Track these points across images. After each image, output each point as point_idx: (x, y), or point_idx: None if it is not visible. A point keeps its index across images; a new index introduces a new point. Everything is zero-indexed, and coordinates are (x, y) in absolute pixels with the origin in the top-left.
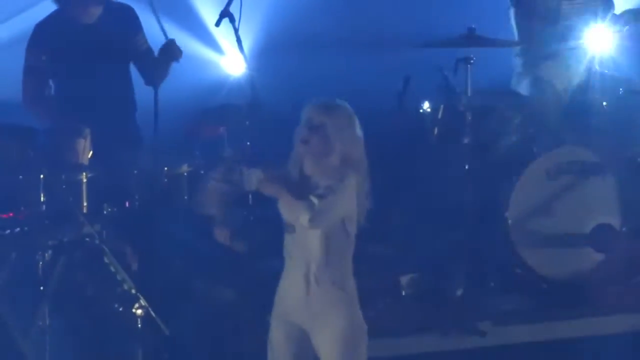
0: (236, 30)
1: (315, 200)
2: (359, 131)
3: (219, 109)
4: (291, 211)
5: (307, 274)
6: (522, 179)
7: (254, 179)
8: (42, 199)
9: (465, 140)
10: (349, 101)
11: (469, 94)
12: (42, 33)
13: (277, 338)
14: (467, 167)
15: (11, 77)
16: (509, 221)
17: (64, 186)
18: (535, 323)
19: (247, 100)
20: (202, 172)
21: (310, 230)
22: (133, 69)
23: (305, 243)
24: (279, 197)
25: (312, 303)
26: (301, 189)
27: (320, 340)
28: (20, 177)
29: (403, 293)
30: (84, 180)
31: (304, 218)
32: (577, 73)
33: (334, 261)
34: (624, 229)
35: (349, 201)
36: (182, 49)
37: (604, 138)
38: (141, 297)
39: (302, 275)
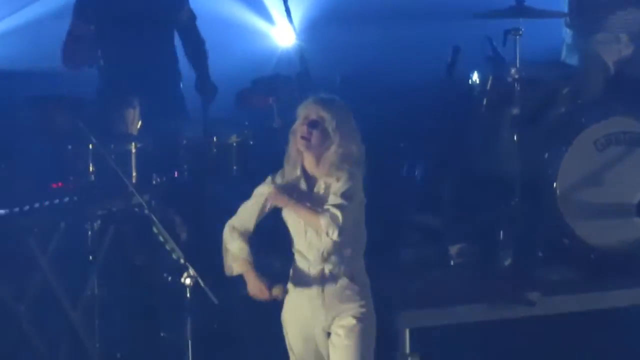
0: (285, 1)
1: (335, 211)
2: (354, 125)
3: (269, 79)
4: (311, 224)
5: (323, 270)
6: (571, 150)
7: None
8: (91, 169)
9: (514, 111)
10: (397, 73)
11: (518, 65)
12: (89, 1)
13: (294, 336)
14: (515, 137)
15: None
16: (558, 192)
17: (113, 156)
18: (583, 293)
19: (297, 71)
20: (251, 142)
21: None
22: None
23: (319, 242)
24: (296, 210)
25: (327, 299)
26: (310, 194)
27: (335, 333)
28: (70, 147)
29: (452, 263)
30: (133, 150)
31: (332, 233)
32: (627, 44)
33: (348, 256)
34: None
35: (360, 197)
36: (232, 19)
37: None
38: (190, 267)
39: (318, 272)
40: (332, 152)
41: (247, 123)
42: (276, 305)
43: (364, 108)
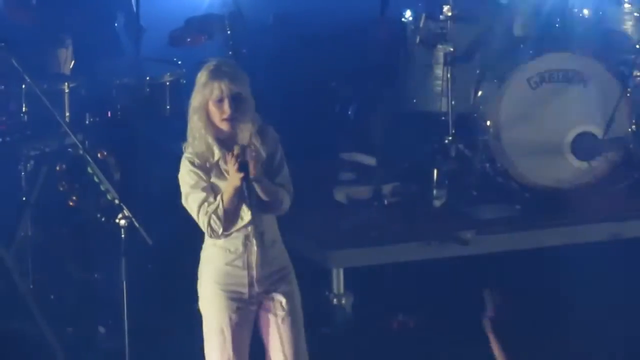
0: None
1: (288, 185)
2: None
3: (201, 18)
4: (272, 198)
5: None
6: (504, 88)
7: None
8: (24, 109)
9: (447, 49)
10: (329, 12)
11: (451, 3)
12: None
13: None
14: (449, 75)
15: None
16: (491, 130)
17: (46, 96)
18: (517, 232)
19: (229, 10)
20: (183, 81)
21: None
22: None
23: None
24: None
25: (269, 263)
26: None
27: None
28: (2, 87)
29: (385, 202)
30: (66, 90)
31: (286, 205)
32: None
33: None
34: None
35: None
36: None
37: (586, 46)
38: (124, 207)
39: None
40: (251, 124)
41: (180, 62)
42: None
43: (296, 47)
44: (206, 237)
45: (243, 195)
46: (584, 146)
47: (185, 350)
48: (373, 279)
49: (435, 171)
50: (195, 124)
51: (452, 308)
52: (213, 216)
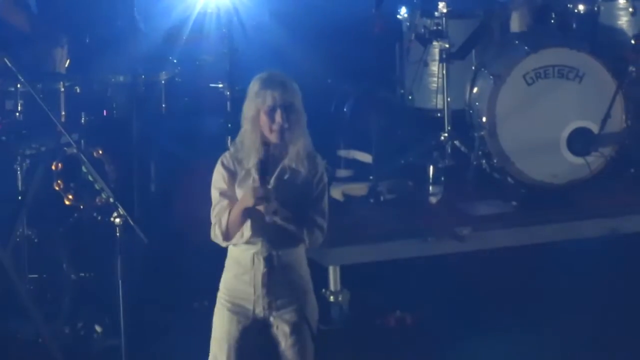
0: None
1: (320, 220)
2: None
3: (198, 16)
4: (292, 230)
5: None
6: (500, 84)
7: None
8: (19, 108)
9: (443, 45)
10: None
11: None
12: None
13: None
14: (444, 71)
15: None
16: (487, 127)
17: (41, 95)
18: (513, 228)
19: (225, 8)
20: (178, 79)
21: None
22: None
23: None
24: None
25: (278, 287)
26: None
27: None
28: None
29: (382, 199)
30: (62, 89)
31: (314, 241)
32: None
33: None
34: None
35: None
36: None
37: (581, 42)
38: (119, 206)
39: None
40: (302, 142)
41: (175, 60)
42: (203, 245)
43: (292, 44)
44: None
45: (251, 215)
46: (579, 142)
47: (182, 349)
48: (370, 275)
49: (431, 168)
50: (247, 134)
51: (449, 304)
52: (218, 222)
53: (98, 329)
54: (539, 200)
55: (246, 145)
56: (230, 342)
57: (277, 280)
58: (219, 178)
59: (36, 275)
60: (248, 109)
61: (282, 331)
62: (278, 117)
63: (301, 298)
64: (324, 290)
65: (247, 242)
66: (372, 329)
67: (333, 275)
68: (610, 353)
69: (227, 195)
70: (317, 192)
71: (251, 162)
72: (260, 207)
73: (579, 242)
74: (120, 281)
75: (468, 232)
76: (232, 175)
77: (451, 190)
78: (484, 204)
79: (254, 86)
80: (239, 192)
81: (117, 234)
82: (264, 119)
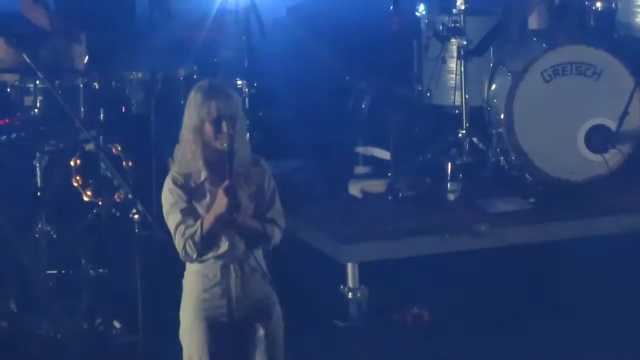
0: None
1: (279, 220)
2: None
3: (216, 13)
4: (258, 234)
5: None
6: (517, 81)
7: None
8: (38, 105)
9: (461, 43)
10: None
11: None
12: None
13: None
14: (462, 69)
15: None
16: (504, 124)
17: (60, 92)
18: (532, 225)
19: (243, 4)
20: (196, 77)
21: None
22: None
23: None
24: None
25: (249, 293)
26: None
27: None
28: (16, 82)
29: (400, 196)
30: (80, 85)
31: (276, 240)
32: None
33: None
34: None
35: None
36: None
37: (599, 39)
38: (138, 202)
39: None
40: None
41: (193, 57)
42: None
43: (310, 40)
44: (187, 264)
45: (224, 224)
46: (597, 139)
47: None
48: (388, 272)
49: (449, 165)
50: (189, 144)
51: (467, 301)
52: (189, 240)
53: (117, 325)
54: (556, 198)
55: (189, 159)
56: (209, 357)
57: (247, 286)
58: (177, 198)
59: (55, 271)
60: (190, 119)
61: (257, 335)
62: (224, 127)
63: (270, 299)
64: (342, 286)
65: (216, 255)
66: (390, 326)
67: (351, 272)
68: (628, 351)
69: (189, 212)
70: (269, 193)
71: (202, 175)
72: (229, 210)
73: (597, 240)
74: (138, 277)
75: (486, 229)
76: (187, 191)
77: (469, 187)
78: (502, 201)
79: (195, 97)
80: (199, 208)
81: (136, 230)
82: (209, 129)
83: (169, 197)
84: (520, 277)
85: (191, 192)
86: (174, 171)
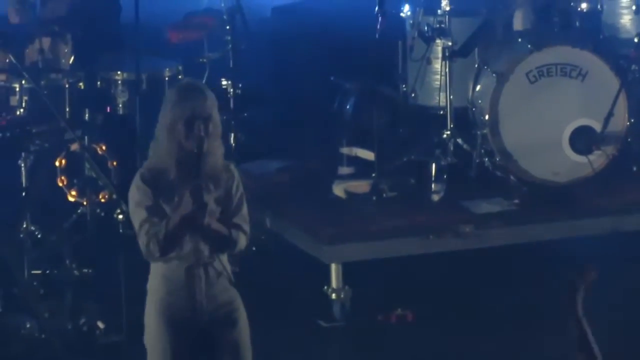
0: None
1: (245, 226)
2: None
3: (201, 13)
4: (224, 238)
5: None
6: (502, 82)
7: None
8: (24, 104)
9: (446, 43)
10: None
11: None
12: None
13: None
14: (447, 69)
15: None
16: (489, 124)
17: (45, 92)
18: (515, 226)
19: (228, 5)
20: (181, 77)
21: None
22: None
23: None
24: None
25: (214, 297)
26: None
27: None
28: (2, 82)
29: (384, 196)
30: (66, 85)
31: (241, 246)
32: None
33: None
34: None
35: None
36: None
37: (584, 40)
38: (122, 202)
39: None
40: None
41: (178, 57)
42: None
43: (294, 41)
44: (151, 267)
45: (189, 225)
46: (582, 140)
47: None
48: (372, 273)
49: (433, 165)
50: (162, 143)
51: (450, 302)
52: (153, 238)
53: (101, 325)
54: (541, 199)
55: (161, 157)
56: None
57: (212, 290)
58: (143, 195)
59: (39, 271)
60: (165, 118)
61: (224, 339)
62: (196, 128)
63: (235, 303)
64: (325, 287)
65: (179, 257)
66: (374, 326)
67: (335, 273)
68: (612, 352)
69: (155, 210)
70: (237, 199)
71: (172, 173)
72: (194, 211)
73: (581, 241)
74: (123, 277)
75: (470, 230)
76: (154, 189)
77: (453, 188)
78: (486, 201)
79: (172, 95)
80: (166, 207)
81: (120, 230)
82: (181, 129)
83: (136, 194)
84: (504, 278)
85: (159, 190)
86: (143, 168)
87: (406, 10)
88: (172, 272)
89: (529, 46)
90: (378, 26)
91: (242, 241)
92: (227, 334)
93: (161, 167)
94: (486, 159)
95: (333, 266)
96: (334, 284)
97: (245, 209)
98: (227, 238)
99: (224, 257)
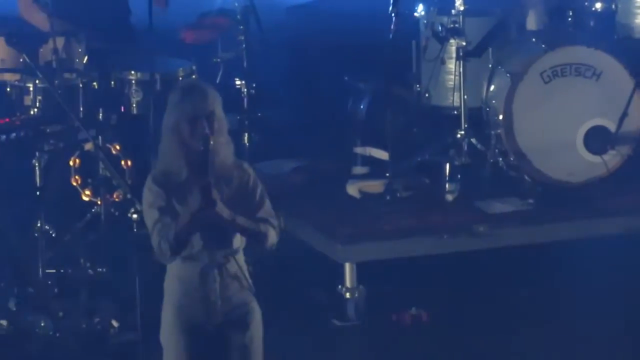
0: None
1: (272, 220)
2: None
3: (215, 13)
4: (251, 234)
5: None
6: (516, 82)
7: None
8: (37, 104)
9: (460, 43)
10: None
11: None
12: None
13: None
14: (461, 69)
15: None
16: (503, 124)
17: (59, 91)
18: (530, 226)
19: (242, 4)
20: (194, 77)
21: None
22: None
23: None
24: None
25: (229, 298)
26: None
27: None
28: (16, 82)
29: (398, 196)
30: (80, 85)
31: (272, 240)
32: None
33: None
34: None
35: None
36: None
37: (598, 40)
38: (136, 202)
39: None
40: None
41: (192, 57)
42: None
43: (308, 41)
44: (167, 269)
45: (200, 225)
46: (596, 140)
47: None
48: (386, 272)
49: (447, 165)
50: (169, 143)
51: (465, 302)
52: (164, 238)
53: (115, 324)
54: (555, 199)
55: (169, 158)
56: None
57: (227, 291)
58: (155, 196)
59: (54, 270)
60: (169, 119)
61: (237, 342)
62: (200, 126)
63: (249, 305)
64: (339, 286)
65: (193, 258)
66: (388, 326)
67: (349, 272)
68: (627, 352)
69: (168, 211)
70: (258, 195)
71: (184, 174)
72: (202, 208)
73: (596, 241)
74: (137, 276)
75: (484, 230)
76: (167, 190)
77: (467, 188)
78: (500, 201)
79: (174, 96)
80: (179, 207)
81: (134, 230)
82: (186, 128)
83: (148, 196)
84: (519, 278)
85: (172, 191)
86: (155, 169)
87: (420, 10)
88: (187, 273)
89: (543, 46)
90: (392, 26)
91: (273, 234)
92: (239, 336)
93: (171, 169)
94: (500, 159)
95: (347, 266)
96: (348, 283)
97: (268, 204)
98: (255, 232)
99: (240, 258)
